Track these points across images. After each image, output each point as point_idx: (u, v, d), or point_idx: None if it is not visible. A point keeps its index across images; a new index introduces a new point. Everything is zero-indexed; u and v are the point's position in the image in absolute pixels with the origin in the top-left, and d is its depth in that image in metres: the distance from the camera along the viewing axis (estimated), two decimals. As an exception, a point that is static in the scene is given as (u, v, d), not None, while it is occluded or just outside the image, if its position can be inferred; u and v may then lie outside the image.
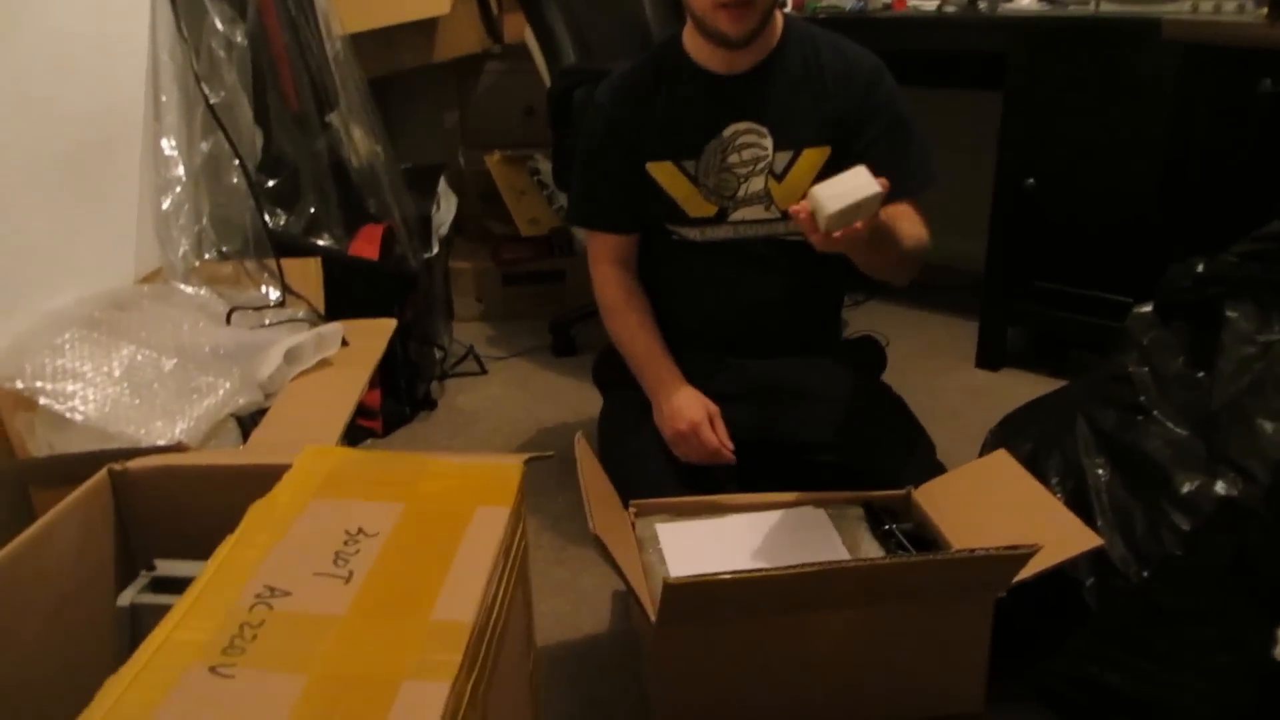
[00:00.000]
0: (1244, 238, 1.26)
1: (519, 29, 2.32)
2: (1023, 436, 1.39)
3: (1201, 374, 1.23)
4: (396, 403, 1.98)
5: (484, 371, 2.25)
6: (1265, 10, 1.61)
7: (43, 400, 1.16)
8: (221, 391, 1.26)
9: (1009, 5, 2.11)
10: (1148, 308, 1.35)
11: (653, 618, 1.03)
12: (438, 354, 2.17)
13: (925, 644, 1.12)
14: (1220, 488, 1.10)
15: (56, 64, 1.37)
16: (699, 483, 1.34)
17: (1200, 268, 1.27)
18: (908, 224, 1.34)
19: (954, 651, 1.14)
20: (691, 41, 1.41)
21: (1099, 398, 1.32)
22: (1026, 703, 1.19)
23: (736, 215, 1.41)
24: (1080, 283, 2.06)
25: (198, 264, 1.62)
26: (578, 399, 2.09)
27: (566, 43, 2.08)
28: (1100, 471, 1.24)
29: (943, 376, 2.18)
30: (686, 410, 1.34)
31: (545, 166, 2.57)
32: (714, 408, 1.36)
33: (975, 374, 2.21)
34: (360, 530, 0.75)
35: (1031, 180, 2.06)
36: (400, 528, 0.75)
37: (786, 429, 1.41)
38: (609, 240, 1.49)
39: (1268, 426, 1.09)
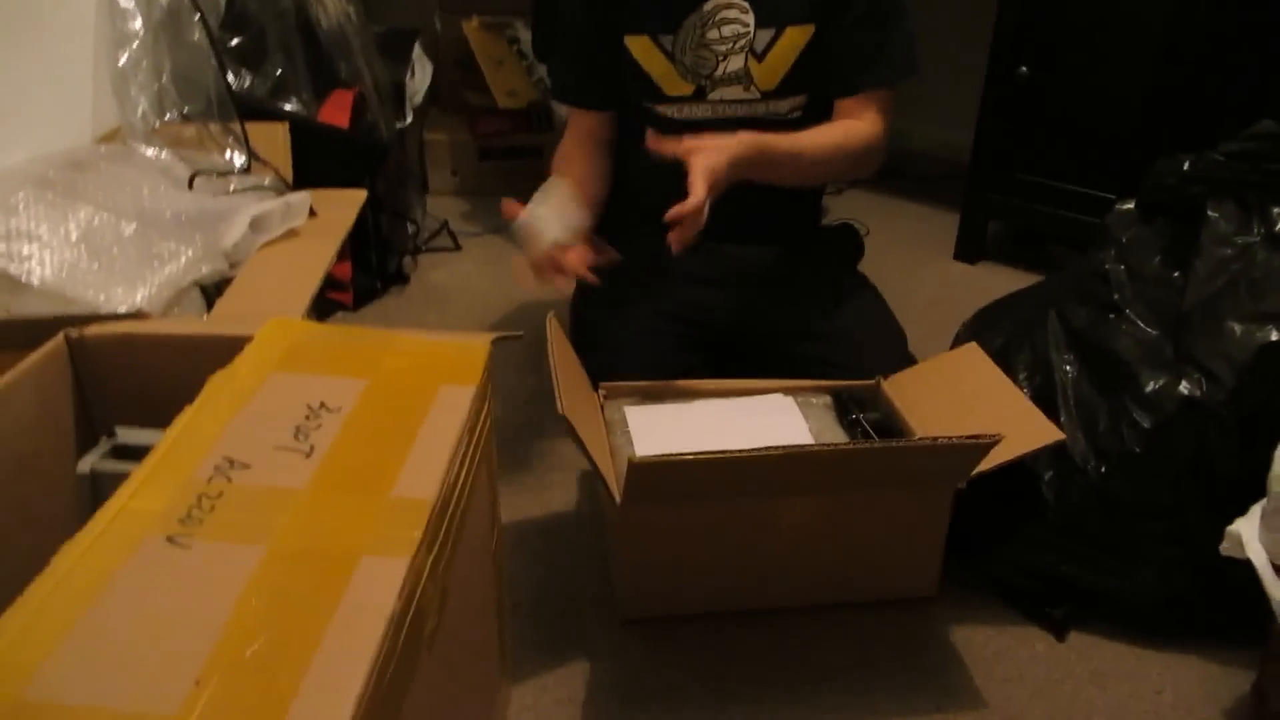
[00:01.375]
0: (1233, 138, 1.23)
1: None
2: (995, 330, 1.40)
3: (1177, 274, 1.23)
4: (367, 276, 1.95)
5: (458, 247, 2.21)
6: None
7: (3, 258, 1.12)
8: (184, 259, 1.23)
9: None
10: (1129, 204, 1.33)
11: (618, 498, 1.04)
12: (410, 228, 2.13)
13: (885, 530, 1.15)
14: (1184, 387, 1.12)
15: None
16: (671, 369, 1.34)
17: (1186, 165, 1.25)
18: (845, 131, 1.32)
19: (913, 537, 1.17)
20: None
21: (1073, 294, 1.32)
22: (979, 589, 1.23)
23: (715, 94, 1.37)
24: (1064, 177, 2.03)
25: (158, 125, 1.56)
26: (552, 279, 2.06)
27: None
28: (1068, 368, 1.25)
29: (920, 268, 2.17)
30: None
31: (525, 36, 2.47)
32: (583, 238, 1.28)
33: (953, 266, 2.20)
34: (322, 405, 0.74)
35: (1024, 69, 2.00)
36: (363, 404, 0.74)
37: (758, 315, 1.41)
38: (586, 117, 1.44)
39: (1236, 328, 1.10)
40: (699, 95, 1.37)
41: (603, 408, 1.26)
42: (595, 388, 1.28)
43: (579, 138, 1.46)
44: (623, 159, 1.48)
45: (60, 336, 0.89)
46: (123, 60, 1.53)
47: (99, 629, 0.52)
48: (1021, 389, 1.24)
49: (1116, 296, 1.25)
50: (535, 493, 1.40)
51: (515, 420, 1.56)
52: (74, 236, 1.19)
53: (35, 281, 1.13)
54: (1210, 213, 1.19)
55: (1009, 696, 1.09)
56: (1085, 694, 1.09)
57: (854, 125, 1.34)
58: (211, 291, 1.26)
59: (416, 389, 0.77)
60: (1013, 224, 2.27)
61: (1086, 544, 1.16)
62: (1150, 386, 1.15)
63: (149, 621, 0.53)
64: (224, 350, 0.81)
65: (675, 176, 1.44)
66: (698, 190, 1.10)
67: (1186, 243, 1.22)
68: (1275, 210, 1.14)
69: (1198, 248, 1.19)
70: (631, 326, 1.36)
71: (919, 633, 1.17)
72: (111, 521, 0.60)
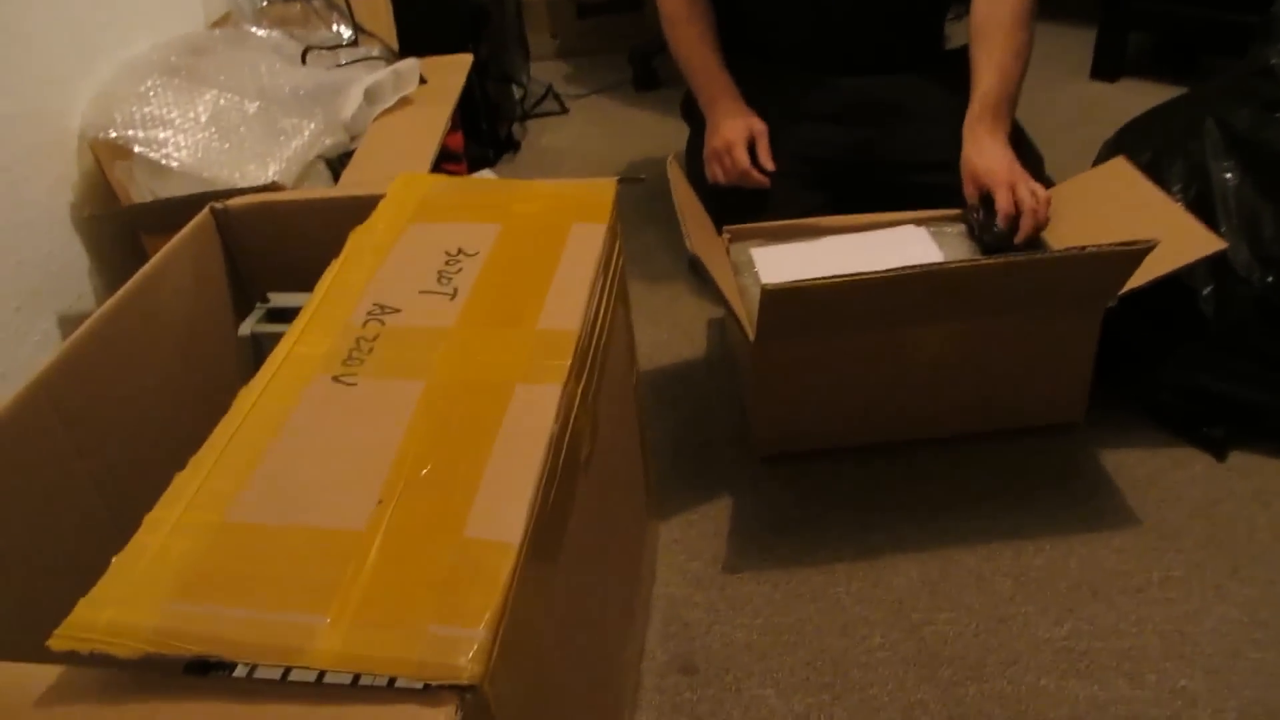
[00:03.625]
0: None
1: None
2: (1142, 144, 1.30)
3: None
4: (479, 145, 1.95)
5: (565, 110, 2.18)
6: None
7: (137, 148, 1.17)
8: (308, 132, 1.25)
9: None
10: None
11: (750, 333, 1.04)
12: (517, 93, 2.11)
13: (1030, 355, 1.11)
14: (1366, 183, 1.02)
15: None
16: (797, 208, 1.30)
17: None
18: (1017, 16, 1.26)
19: (1059, 361, 1.13)
20: None
21: (1233, 96, 1.21)
22: (1131, 413, 1.19)
23: None
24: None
25: (265, 4, 1.57)
26: (662, 133, 2.02)
27: None
28: (1228, 175, 1.16)
29: (1054, 88, 2.03)
30: (725, 129, 1.29)
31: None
32: (760, 128, 1.30)
33: (1090, 84, 2.05)
34: (460, 250, 0.75)
35: None
36: (499, 246, 0.75)
37: (884, 148, 1.35)
38: None
39: None
40: None
41: (728, 250, 1.25)
42: (720, 232, 1.26)
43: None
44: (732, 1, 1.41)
45: (207, 210, 0.93)
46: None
47: (284, 460, 0.56)
48: (1176, 200, 1.16)
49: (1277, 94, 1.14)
50: (665, 339, 1.41)
51: (638, 270, 1.56)
52: (203, 119, 1.23)
53: (174, 164, 1.17)
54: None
55: (1165, 517, 1.06)
56: (1247, 511, 1.06)
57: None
58: (335, 164, 1.29)
59: (549, 229, 0.77)
60: (1156, 33, 2.08)
61: (1249, 359, 1.10)
62: (1322, 187, 1.06)
63: (328, 451, 0.56)
64: (360, 210, 0.83)
65: (790, 8, 1.37)
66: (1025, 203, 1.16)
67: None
68: None
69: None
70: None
71: (1068, 458, 1.14)
72: (280, 366, 0.63)
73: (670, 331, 1.42)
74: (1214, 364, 1.13)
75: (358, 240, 0.78)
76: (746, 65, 1.42)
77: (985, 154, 1.20)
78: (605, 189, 0.83)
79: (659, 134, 2.03)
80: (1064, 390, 1.15)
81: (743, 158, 1.27)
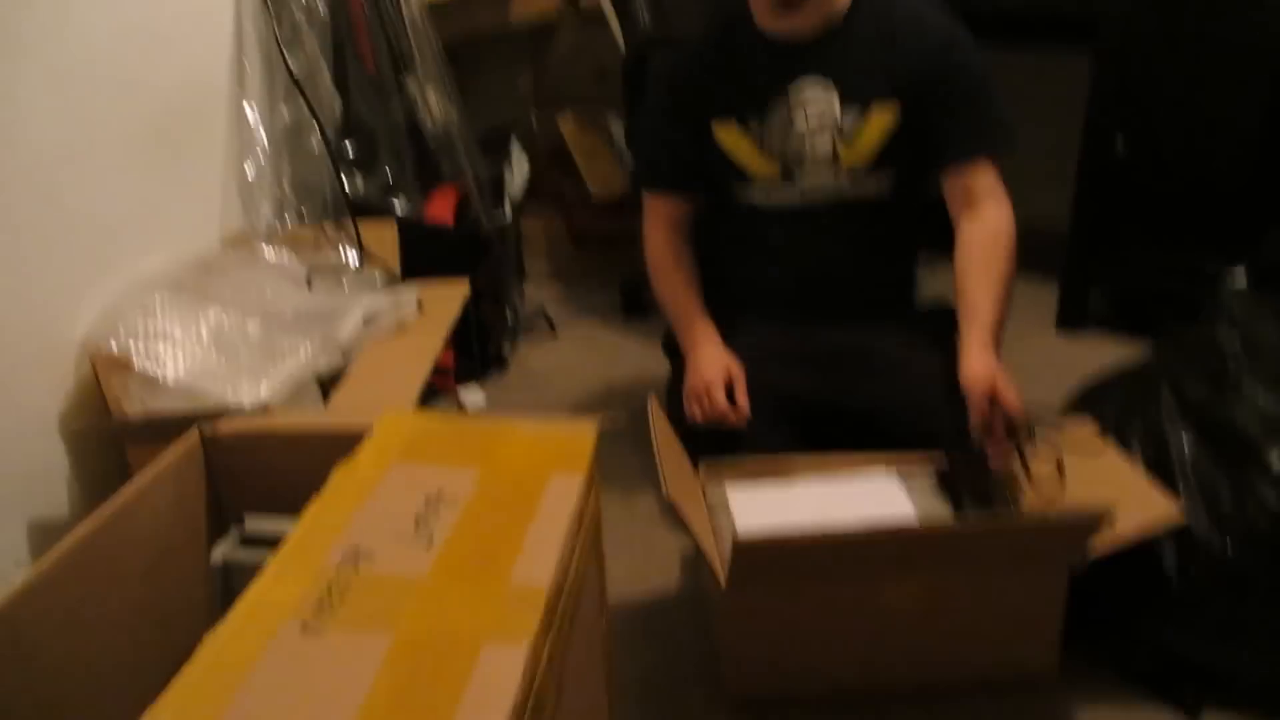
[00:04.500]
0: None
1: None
2: (1104, 404, 1.36)
3: (1296, 343, 1.18)
4: (469, 361, 2.02)
5: (554, 331, 2.27)
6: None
7: (136, 361, 1.21)
8: (303, 353, 1.30)
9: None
10: (1241, 274, 1.30)
11: (723, 579, 1.04)
12: (509, 315, 2.20)
13: (999, 611, 1.12)
14: (1315, 463, 1.07)
15: (145, 36, 1.41)
16: (772, 447, 1.34)
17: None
18: (994, 251, 1.35)
19: (1028, 618, 1.13)
20: (757, 5, 1.39)
21: (1185, 366, 1.28)
22: (1103, 670, 1.18)
23: (803, 177, 1.40)
24: (1169, 246, 1.99)
25: (279, 228, 1.66)
26: (646, 360, 2.09)
27: (641, 6, 2.06)
28: (1185, 443, 1.21)
29: (1021, 341, 2.12)
30: (704, 369, 1.34)
31: (618, 128, 2.56)
32: (736, 370, 1.35)
33: (1054, 338, 2.15)
34: (440, 495, 0.77)
35: (1121, 139, 1.98)
36: (478, 493, 0.77)
37: (854, 395, 1.40)
38: (667, 203, 1.49)
39: (1367, 400, 1.05)
40: (787, 177, 1.40)
41: (704, 489, 1.27)
42: (695, 467, 1.29)
43: (666, 229, 1.50)
44: (711, 245, 1.51)
45: (194, 432, 0.95)
46: (249, 170, 1.65)
47: (245, 716, 0.55)
48: (1137, 464, 1.20)
49: (1233, 367, 1.21)
50: (639, 567, 1.40)
51: (615, 494, 1.58)
52: (204, 335, 1.28)
53: (169, 378, 1.21)
54: (1329, 280, 1.15)
55: (1141, 788, 1.03)
56: (1224, 783, 1.03)
57: (988, 226, 1.35)
58: (327, 383, 1.33)
59: (528, 478, 0.80)
60: (1116, 293, 2.21)
61: (1215, 624, 1.11)
62: (1277, 462, 1.10)
63: (290, 708, 0.56)
64: (344, 442, 0.86)
65: (764, 263, 1.46)
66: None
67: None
68: (1400, 275, 1.10)
69: (1317, 316, 1.15)
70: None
71: (1040, 718, 1.12)
72: (251, 610, 0.64)
73: (645, 561, 1.42)
74: (1181, 625, 1.13)
75: (340, 479, 0.80)
76: (724, 308, 1.51)
77: (975, 363, 1.25)
78: (585, 438, 0.87)
79: (643, 360, 2.10)
80: (1034, 647, 1.15)
81: (720, 399, 1.32)
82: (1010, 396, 1.21)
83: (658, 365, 2.04)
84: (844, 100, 1.36)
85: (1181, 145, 1.93)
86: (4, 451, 1.10)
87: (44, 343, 1.18)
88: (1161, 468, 1.20)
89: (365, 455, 0.83)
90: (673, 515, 1.12)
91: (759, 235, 1.45)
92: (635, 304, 2.36)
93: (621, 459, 1.68)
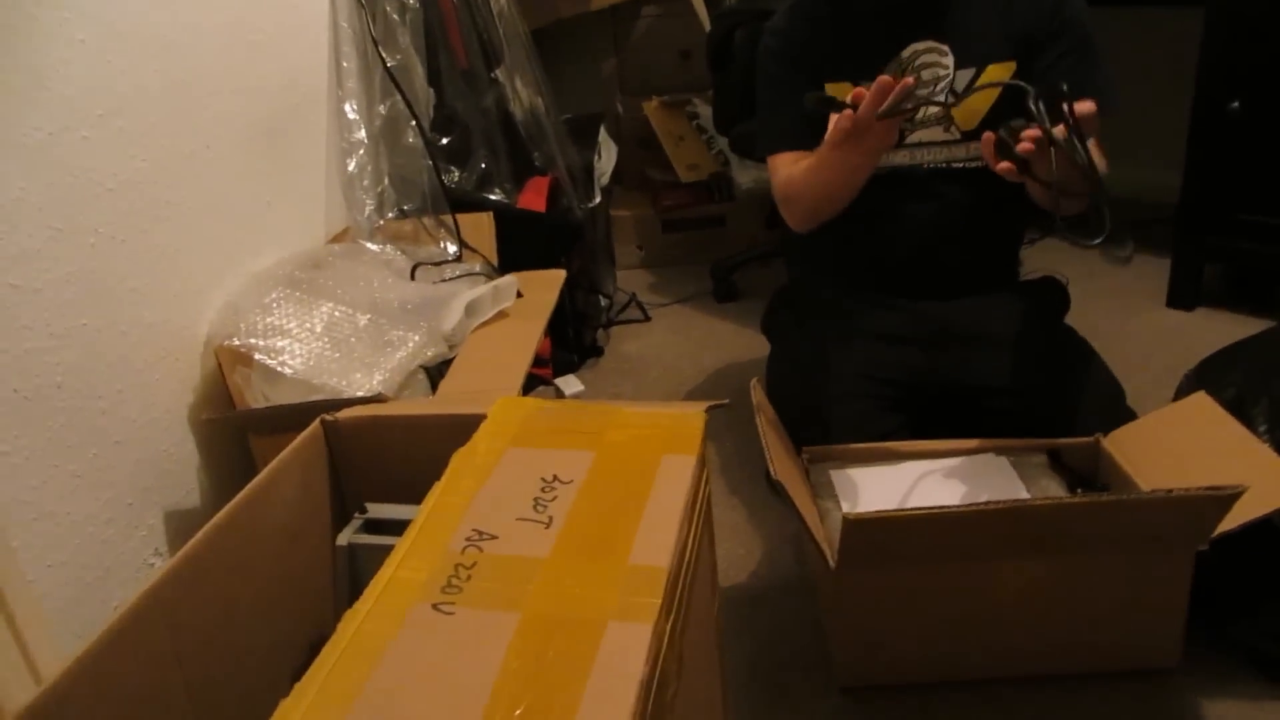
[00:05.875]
0: None
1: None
2: (1224, 380, 1.30)
3: None
4: (565, 350, 2.04)
5: (647, 318, 2.28)
6: None
7: (257, 356, 1.26)
8: (411, 344, 1.33)
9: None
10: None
11: (830, 562, 1.04)
12: (603, 302, 2.22)
13: (1118, 595, 1.08)
14: None
15: (249, 40, 1.46)
16: (876, 431, 1.32)
17: None
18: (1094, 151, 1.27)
19: (1149, 603, 1.10)
20: None
21: (1315, 338, 1.22)
22: (1228, 658, 1.13)
23: (914, 138, 1.37)
24: (1287, 214, 1.89)
25: (381, 222, 1.71)
26: (740, 344, 2.09)
27: (728, -16, 2.05)
28: (1315, 418, 1.15)
29: (1131, 317, 2.06)
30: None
31: (704, 111, 2.55)
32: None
33: (1167, 314, 2.07)
34: (555, 477, 0.78)
35: (1236, 103, 1.89)
36: (593, 475, 0.78)
37: (962, 374, 1.37)
38: (794, 156, 1.40)
39: None
40: (899, 140, 1.37)
41: (808, 472, 1.26)
42: (799, 453, 1.28)
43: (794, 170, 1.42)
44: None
45: (317, 422, 0.99)
46: (351, 167, 1.70)
47: (383, 692, 0.57)
48: (1262, 440, 1.15)
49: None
50: (743, 554, 1.41)
51: (717, 482, 1.58)
52: (318, 329, 1.32)
53: (288, 372, 1.26)
54: None
55: (1274, 779, 0.99)
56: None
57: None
58: (434, 373, 1.36)
59: (641, 460, 0.81)
60: (1232, 266, 2.12)
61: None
62: None
63: (426, 685, 0.58)
64: (458, 428, 0.88)
65: (871, 230, 1.44)
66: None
67: None
68: None
69: None
70: (833, 391, 1.36)
71: (1161, 707, 1.09)
72: (383, 590, 0.66)
73: (748, 546, 1.42)
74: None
75: (459, 463, 0.82)
76: (832, 283, 1.49)
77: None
78: (694, 419, 0.87)
79: (738, 344, 2.10)
80: (1156, 634, 1.11)
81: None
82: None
83: (752, 349, 2.05)
84: (959, 63, 1.33)
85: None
86: (140, 444, 1.16)
87: (173, 340, 1.24)
88: (1288, 445, 1.15)
89: (481, 440, 0.85)
90: (777, 498, 1.12)
91: (866, 202, 1.42)
92: (726, 287, 2.35)
93: (721, 444, 1.68)
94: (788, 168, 1.41)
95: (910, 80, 1.12)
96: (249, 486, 0.86)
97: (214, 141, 1.35)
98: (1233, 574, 1.11)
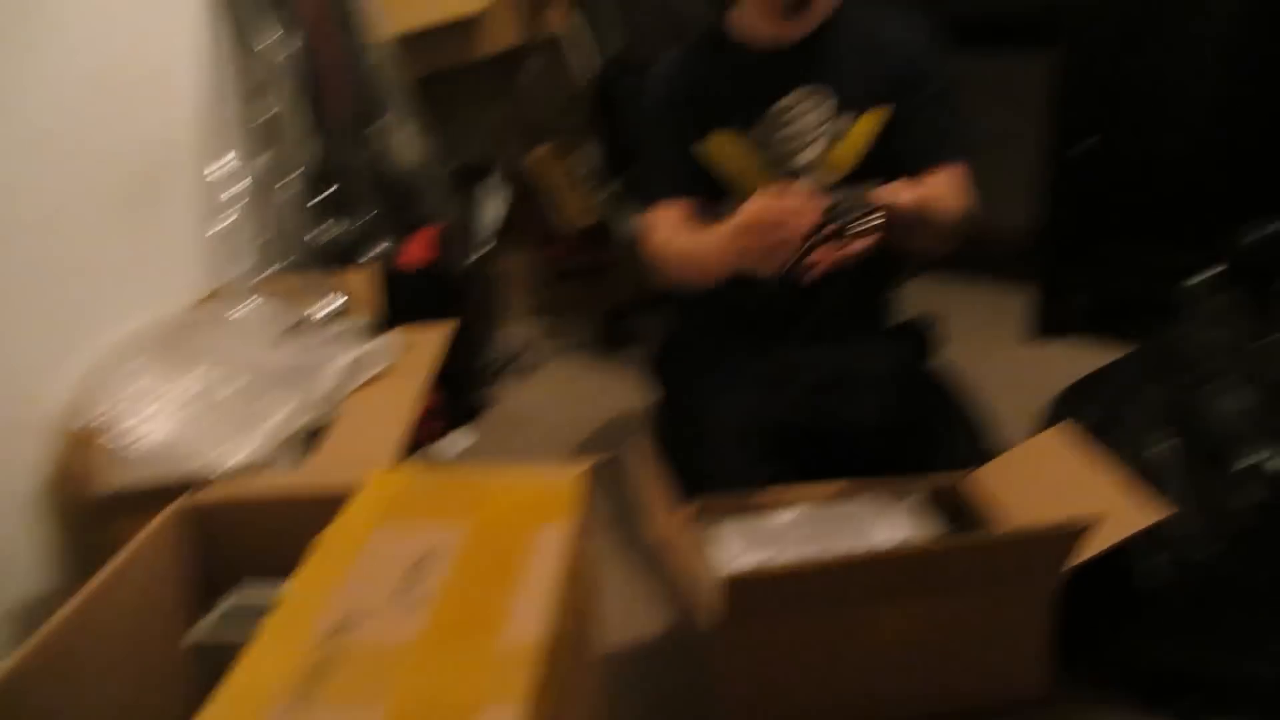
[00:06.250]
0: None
1: (561, 20, 2.33)
2: (1086, 408, 1.37)
3: (1269, 339, 1.20)
4: (452, 405, 2.01)
5: (537, 369, 2.27)
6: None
7: (116, 430, 1.20)
8: (287, 408, 1.29)
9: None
10: (1213, 271, 1.31)
11: (714, 615, 1.04)
12: (491, 354, 2.20)
13: (985, 633, 1.12)
14: (1293, 459, 1.08)
15: (112, 96, 1.41)
16: (759, 478, 1.34)
17: (1266, 230, 1.24)
18: (946, 199, 1.33)
19: (1017, 637, 1.14)
20: (745, 19, 1.41)
21: (1164, 365, 1.29)
22: (1101, 684, 1.18)
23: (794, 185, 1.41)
24: (1144, 245, 2.01)
25: (256, 281, 1.66)
26: (632, 392, 2.09)
27: (611, 32, 2.08)
28: (1167, 442, 1.22)
29: (997, 350, 2.14)
30: (750, 204, 1.21)
31: (591, 158, 2.57)
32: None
33: (1032, 345, 2.17)
34: (427, 554, 0.77)
35: (1092, 139, 2.00)
36: (466, 550, 0.77)
37: (838, 417, 1.41)
38: (672, 208, 1.44)
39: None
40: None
41: (693, 524, 1.27)
42: (686, 498, 1.29)
43: (671, 229, 1.44)
44: None
45: (178, 502, 0.95)
46: (225, 222, 1.65)
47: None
48: (1121, 467, 1.20)
49: (1211, 365, 1.22)
50: (631, 616, 1.39)
51: (607, 540, 1.57)
52: (184, 398, 1.27)
53: (157, 440, 1.20)
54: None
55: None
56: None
57: (945, 191, 1.35)
58: (312, 436, 1.32)
59: (517, 530, 0.80)
60: (1092, 296, 2.23)
61: (1205, 629, 1.11)
62: (1258, 458, 1.11)
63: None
64: (331, 502, 0.85)
65: (751, 278, 1.46)
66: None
67: (1274, 307, 1.20)
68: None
69: (1288, 314, 1.17)
70: (714, 441, 1.38)
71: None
72: (238, 691, 0.63)
73: (635, 604, 1.41)
74: (1173, 634, 1.14)
75: (326, 544, 0.80)
76: (708, 332, 1.51)
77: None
78: (572, 484, 0.87)
79: (627, 392, 2.09)
80: (1025, 666, 1.15)
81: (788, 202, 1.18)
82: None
83: (641, 398, 2.05)
84: (841, 106, 1.37)
85: (1151, 143, 1.96)
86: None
87: (19, 416, 1.17)
88: (1147, 470, 1.21)
89: (351, 517, 0.83)
90: (660, 554, 1.12)
91: None
92: (617, 334, 2.36)
93: (609, 498, 1.67)
94: (668, 228, 1.42)
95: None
96: (92, 582, 0.81)
97: (69, 204, 1.29)
98: (1095, 601, 1.16)
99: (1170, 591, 1.13)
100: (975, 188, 1.39)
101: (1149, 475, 1.19)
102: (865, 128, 1.37)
